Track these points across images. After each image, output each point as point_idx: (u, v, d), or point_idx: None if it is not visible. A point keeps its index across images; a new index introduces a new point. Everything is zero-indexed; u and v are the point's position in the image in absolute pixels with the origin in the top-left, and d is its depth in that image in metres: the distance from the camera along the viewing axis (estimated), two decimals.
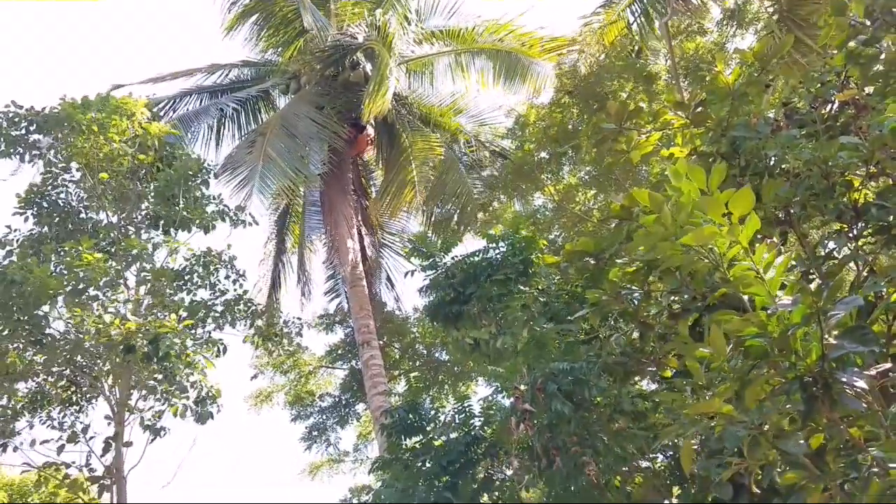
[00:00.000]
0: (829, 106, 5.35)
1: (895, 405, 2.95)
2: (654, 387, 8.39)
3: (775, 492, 4.12)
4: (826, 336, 2.79)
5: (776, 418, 2.88)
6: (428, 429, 9.65)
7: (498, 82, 15.75)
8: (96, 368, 9.21)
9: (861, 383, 2.76)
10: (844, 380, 2.77)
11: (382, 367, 14.43)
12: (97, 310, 8.59)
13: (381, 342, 15.78)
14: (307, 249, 17.83)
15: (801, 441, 2.83)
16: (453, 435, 9.07)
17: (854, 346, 2.74)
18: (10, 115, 9.86)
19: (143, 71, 37.66)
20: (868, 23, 4.35)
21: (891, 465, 2.77)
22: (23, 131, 9.92)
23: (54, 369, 9.19)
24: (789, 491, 2.92)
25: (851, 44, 4.41)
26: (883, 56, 4.40)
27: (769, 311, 2.89)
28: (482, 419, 9.22)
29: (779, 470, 3.06)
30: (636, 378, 7.64)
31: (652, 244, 3.29)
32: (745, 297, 3.14)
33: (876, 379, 2.86)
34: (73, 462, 8.86)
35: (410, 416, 9.75)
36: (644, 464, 8.00)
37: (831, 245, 5.18)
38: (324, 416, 19.14)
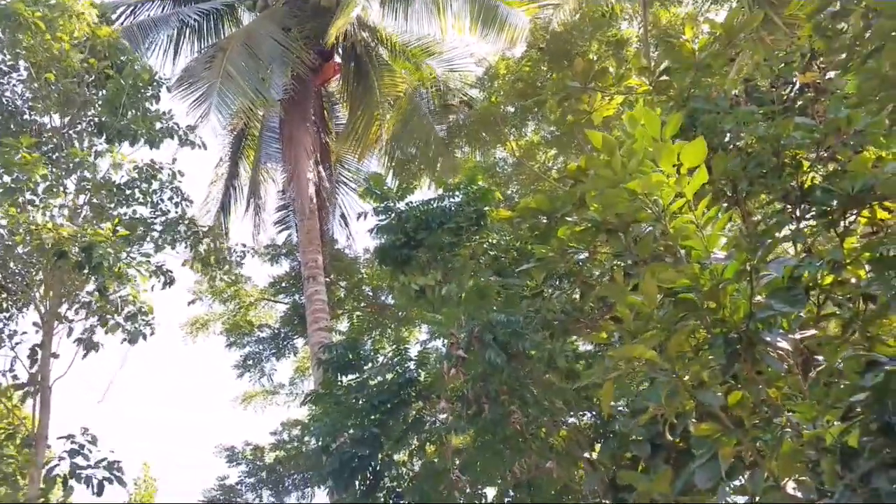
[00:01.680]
0: (790, 87, 5.40)
1: (814, 370, 3.04)
2: (588, 347, 8.62)
3: (691, 455, 4.27)
4: (756, 295, 2.84)
5: (697, 369, 2.94)
6: (365, 368, 9.71)
7: (475, 28, 15.35)
8: (28, 276, 8.92)
9: (784, 344, 2.82)
10: (768, 339, 2.83)
11: (326, 304, 14.39)
12: (32, 213, 8.28)
13: (327, 279, 15.69)
14: (261, 176, 17.44)
15: (719, 394, 2.90)
16: (389, 375, 9.15)
17: (782, 307, 2.80)
18: None
19: None
20: None
21: (804, 427, 2.87)
22: None
23: None
24: (701, 444, 3.00)
25: (819, 16, 4.42)
26: (849, 30, 4.42)
27: (703, 265, 2.92)
28: (417, 363, 9.32)
29: (693, 421, 3.14)
30: (572, 337, 7.81)
31: (600, 188, 3.28)
32: (682, 252, 3.16)
33: (799, 343, 2.93)
34: None
35: (349, 354, 9.79)
36: (570, 419, 8.25)
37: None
38: (261, 347, 19.06)
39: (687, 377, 2.92)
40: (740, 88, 5.54)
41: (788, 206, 4.90)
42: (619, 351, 3.06)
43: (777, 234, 4.70)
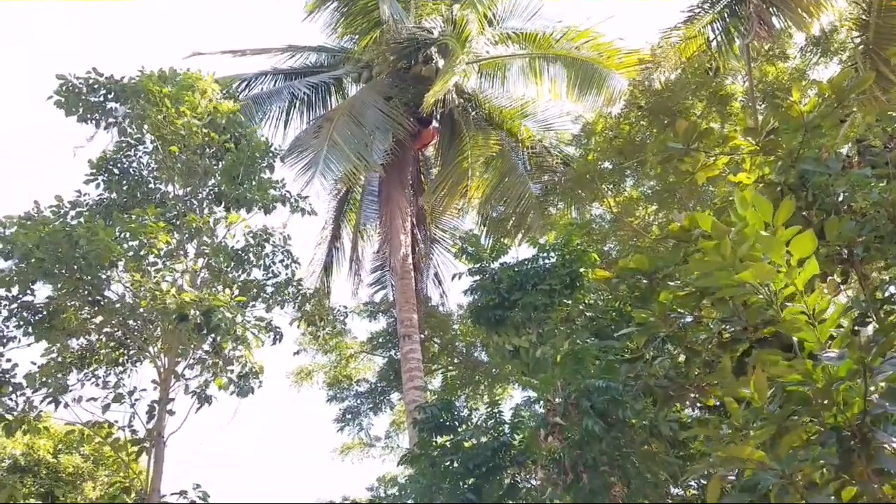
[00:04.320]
0: None
1: None
2: (696, 414, 8.24)
3: None
4: (870, 392, 2.71)
5: (808, 469, 2.80)
6: (459, 429, 9.68)
7: (572, 92, 15.52)
8: (146, 333, 9.52)
9: None
10: (883, 437, 2.68)
11: (420, 362, 14.53)
12: (155, 277, 8.88)
13: (421, 336, 15.88)
14: (361, 238, 18.07)
15: (831, 495, 2.75)
16: (483, 438, 9.07)
17: None
18: (91, 81, 10.15)
19: (224, 41, 38.67)
20: None
21: None
22: (101, 98, 10.20)
23: (106, 330, 9.53)
24: None
25: None
26: None
27: (816, 359, 2.82)
28: (513, 426, 9.19)
29: None
30: (676, 404, 7.51)
31: (708, 271, 3.24)
32: (795, 341, 3.06)
33: None
34: (116, 421, 9.22)
35: (443, 414, 9.80)
36: (675, 491, 7.85)
37: (892, 289, 4.99)
38: (359, 401, 19.44)
39: (798, 477, 2.78)
40: (853, 149, 5.32)
41: None
42: (727, 450, 2.97)
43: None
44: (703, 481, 7.78)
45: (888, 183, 4.65)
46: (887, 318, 4.70)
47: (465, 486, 8.56)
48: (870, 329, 4.98)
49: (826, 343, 2.89)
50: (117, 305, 9.15)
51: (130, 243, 8.95)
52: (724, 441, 3.40)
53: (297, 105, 16.60)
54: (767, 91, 14.17)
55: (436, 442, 9.57)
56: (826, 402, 2.78)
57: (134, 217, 8.98)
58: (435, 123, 16.60)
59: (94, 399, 9.15)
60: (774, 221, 3.04)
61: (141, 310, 8.86)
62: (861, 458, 2.70)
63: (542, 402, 8.71)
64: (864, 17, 10.62)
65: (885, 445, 2.70)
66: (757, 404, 2.93)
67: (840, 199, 5.17)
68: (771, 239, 2.93)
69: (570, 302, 9.48)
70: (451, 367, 19.06)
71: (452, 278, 11.79)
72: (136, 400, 9.35)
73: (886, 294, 4.90)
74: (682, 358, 5.59)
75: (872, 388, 2.76)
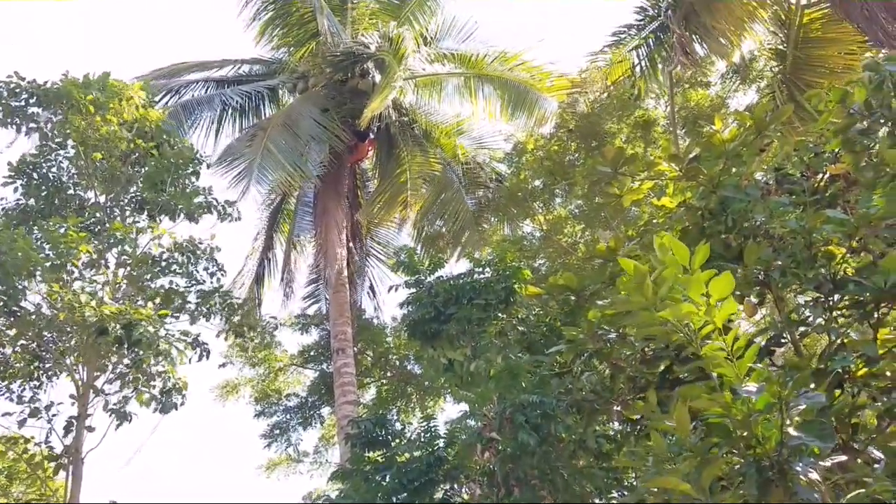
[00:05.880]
0: (821, 176, 5.47)
1: (845, 497, 3.04)
2: (619, 427, 8.48)
3: None
4: (787, 423, 2.89)
5: (730, 499, 2.95)
6: (393, 444, 9.64)
7: (505, 111, 15.86)
8: (62, 345, 9.11)
9: (814, 475, 2.85)
10: (799, 469, 2.86)
11: (354, 376, 14.41)
12: (75, 288, 8.53)
13: (355, 349, 15.76)
14: (294, 249, 17.82)
15: None
16: (417, 453, 9.06)
17: (811, 440, 2.85)
18: (12, 85, 9.73)
19: (154, 60, 37.47)
20: (867, 113, 4.47)
21: None
22: (22, 103, 9.78)
23: (21, 342, 9.10)
24: None
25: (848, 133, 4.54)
26: (876, 148, 4.53)
27: (736, 392, 2.98)
28: (447, 440, 9.23)
29: None
30: (603, 417, 7.73)
31: (630, 310, 3.37)
32: (715, 376, 3.23)
33: (832, 471, 2.95)
34: (32, 437, 8.80)
35: (377, 429, 9.74)
36: (599, 503, 8.06)
37: (807, 312, 5.26)
38: (288, 416, 19.01)
39: None
40: (770, 176, 5.62)
41: (821, 297, 4.90)
42: (653, 482, 3.10)
43: (809, 326, 4.70)
44: (625, 493, 8.03)
45: (804, 211, 4.93)
46: (801, 339, 5.00)
47: (398, 501, 8.53)
48: (783, 349, 5.27)
49: (744, 377, 3.07)
50: (33, 317, 8.74)
51: (48, 252, 8.58)
52: (651, 470, 3.57)
53: (230, 113, 16.27)
54: (688, 117, 14.81)
55: (368, 457, 9.50)
56: (745, 434, 2.95)
57: (53, 225, 8.61)
58: (372, 137, 16.61)
59: (10, 414, 8.73)
60: (691, 265, 3.20)
61: (58, 322, 8.48)
62: (779, 488, 2.86)
63: (475, 416, 8.80)
64: (782, 47, 11.22)
65: (802, 476, 2.88)
66: (680, 437, 3.08)
67: (758, 224, 5.44)
68: (689, 280, 3.08)
69: (504, 316, 9.63)
70: (383, 381, 18.95)
71: (389, 290, 11.80)
72: (54, 415, 8.94)
73: (802, 317, 5.18)
74: (607, 373, 5.79)
75: (789, 422, 2.94)
